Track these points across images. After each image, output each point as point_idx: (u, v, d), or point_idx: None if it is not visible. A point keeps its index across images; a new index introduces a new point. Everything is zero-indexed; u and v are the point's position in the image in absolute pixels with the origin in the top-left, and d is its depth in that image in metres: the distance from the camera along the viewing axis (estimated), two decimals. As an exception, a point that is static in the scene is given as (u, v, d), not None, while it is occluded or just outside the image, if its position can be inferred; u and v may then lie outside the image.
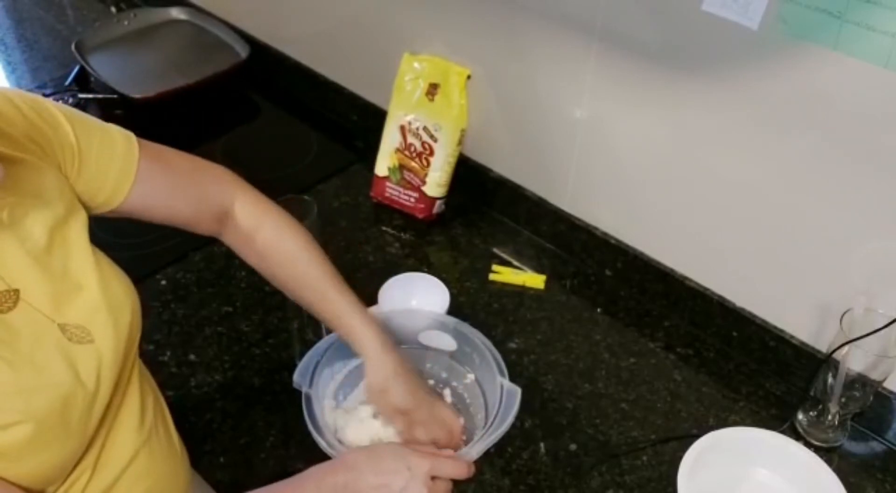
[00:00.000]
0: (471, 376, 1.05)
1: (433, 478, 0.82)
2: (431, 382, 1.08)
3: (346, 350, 1.01)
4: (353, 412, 1.00)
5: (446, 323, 1.06)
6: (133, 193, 0.84)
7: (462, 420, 0.99)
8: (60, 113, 0.79)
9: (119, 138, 0.84)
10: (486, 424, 0.95)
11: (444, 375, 1.08)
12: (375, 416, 0.98)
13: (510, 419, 0.92)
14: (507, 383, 0.96)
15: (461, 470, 0.84)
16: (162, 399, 0.92)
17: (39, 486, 0.70)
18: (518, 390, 0.95)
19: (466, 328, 1.04)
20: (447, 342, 1.07)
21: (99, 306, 0.76)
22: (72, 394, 0.71)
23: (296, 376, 0.97)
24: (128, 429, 0.81)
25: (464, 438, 0.98)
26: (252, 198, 0.96)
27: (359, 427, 0.97)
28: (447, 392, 1.06)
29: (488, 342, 1.02)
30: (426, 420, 0.94)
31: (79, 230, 0.77)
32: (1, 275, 0.69)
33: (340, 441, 0.94)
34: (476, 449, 0.89)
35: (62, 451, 0.71)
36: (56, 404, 0.69)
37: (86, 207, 0.81)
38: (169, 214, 0.90)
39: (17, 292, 0.70)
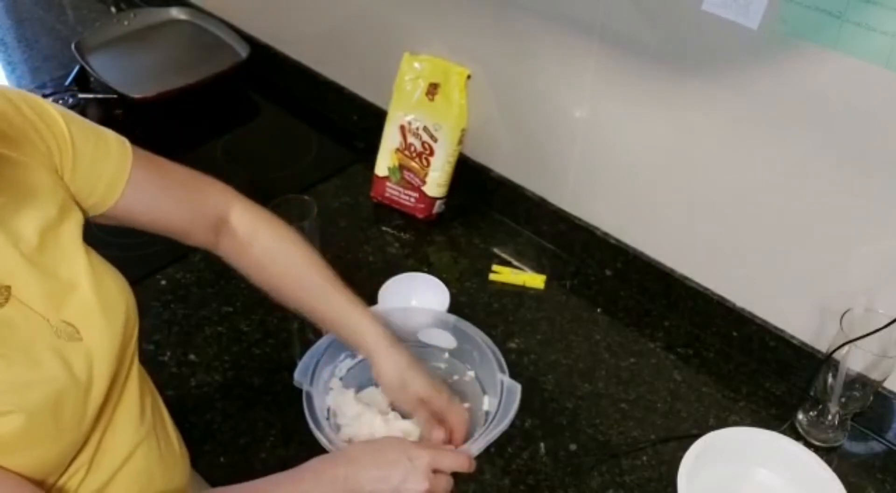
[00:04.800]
0: (471, 374, 1.06)
1: (434, 471, 0.82)
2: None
3: (346, 348, 1.01)
4: (356, 405, 0.99)
5: (446, 320, 1.06)
6: (125, 196, 0.84)
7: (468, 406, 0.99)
8: (58, 113, 0.79)
9: (113, 142, 0.85)
10: (486, 421, 0.95)
11: (443, 372, 1.08)
12: (379, 411, 0.98)
13: (511, 416, 0.92)
14: (507, 379, 0.96)
15: (462, 463, 0.84)
16: (160, 401, 0.92)
17: (34, 479, 0.70)
18: (518, 387, 0.95)
19: (466, 326, 1.04)
20: (447, 340, 1.07)
21: (91, 306, 0.76)
22: (65, 390, 0.71)
23: (296, 375, 0.97)
24: (125, 428, 0.81)
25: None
26: (248, 207, 0.96)
27: (360, 423, 0.98)
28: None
29: (488, 339, 1.02)
30: (446, 407, 0.93)
31: (72, 231, 0.77)
32: None
33: (338, 425, 0.94)
34: (477, 446, 0.89)
35: (56, 446, 0.71)
36: (49, 398, 0.69)
37: (79, 209, 0.81)
38: (163, 221, 0.90)
39: (8, 288, 0.70)
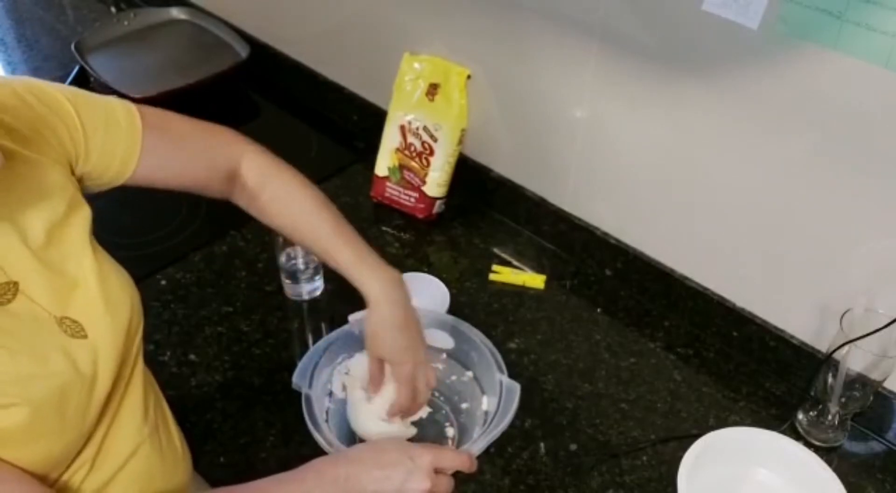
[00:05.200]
0: (469, 374, 1.05)
1: (436, 471, 0.82)
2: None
3: (345, 349, 1.01)
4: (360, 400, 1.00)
5: (444, 321, 1.06)
6: (140, 166, 0.85)
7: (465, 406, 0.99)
8: (64, 98, 0.79)
9: (122, 113, 0.84)
10: (485, 421, 0.95)
11: (441, 373, 1.08)
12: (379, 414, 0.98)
13: (510, 416, 0.92)
14: (506, 379, 0.96)
15: (464, 463, 0.84)
16: (164, 400, 0.92)
17: (37, 474, 0.70)
18: (517, 387, 0.95)
19: (464, 326, 1.04)
20: (445, 340, 1.07)
21: (96, 303, 0.76)
22: (70, 384, 0.71)
23: (295, 377, 0.97)
24: (128, 426, 0.81)
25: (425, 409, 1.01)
26: (259, 155, 0.97)
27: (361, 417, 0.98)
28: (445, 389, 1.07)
29: (486, 340, 1.02)
30: (401, 381, 0.94)
31: (79, 228, 0.77)
32: (1, 267, 0.70)
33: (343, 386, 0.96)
34: (477, 446, 0.89)
35: (59, 441, 0.71)
36: (54, 392, 0.69)
37: (95, 185, 0.83)
38: (179, 180, 0.91)
39: (16, 284, 0.71)
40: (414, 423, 1.01)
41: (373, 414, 0.97)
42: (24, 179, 0.73)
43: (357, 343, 1.01)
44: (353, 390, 1.00)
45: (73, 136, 0.79)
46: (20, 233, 0.72)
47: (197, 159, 0.92)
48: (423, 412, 1.03)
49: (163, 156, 0.88)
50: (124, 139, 0.84)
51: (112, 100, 0.85)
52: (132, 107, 0.86)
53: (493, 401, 0.96)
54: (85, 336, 0.74)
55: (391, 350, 0.94)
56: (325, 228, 0.95)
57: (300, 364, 0.98)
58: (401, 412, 0.96)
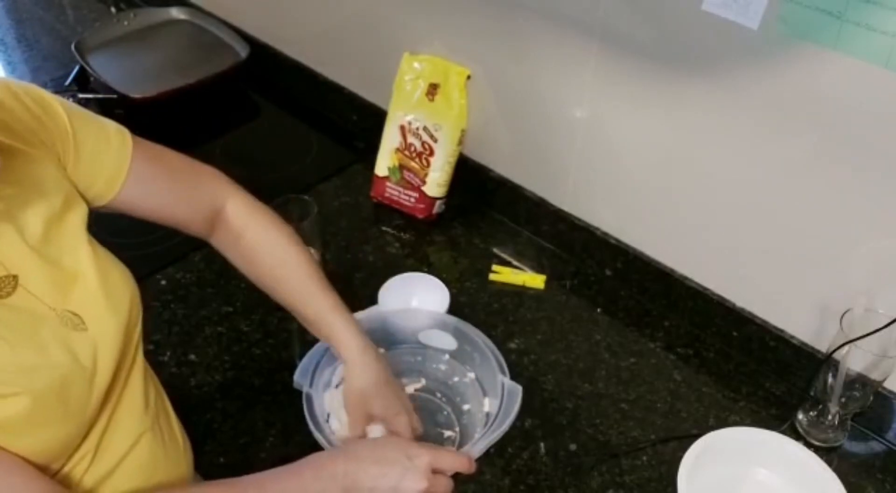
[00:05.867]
0: (471, 375, 1.06)
1: (434, 472, 0.82)
2: (425, 381, 1.08)
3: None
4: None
5: (446, 322, 1.06)
6: (126, 187, 0.85)
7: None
8: (58, 104, 0.79)
9: (114, 133, 0.85)
10: (487, 422, 0.95)
11: (443, 374, 1.08)
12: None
13: (511, 418, 0.92)
14: (507, 381, 0.96)
15: (463, 464, 0.84)
16: (163, 392, 0.92)
17: (38, 464, 0.70)
18: (519, 389, 0.95)
19: (466, 327, 1.04)
20: (447, 341, 1.07)
21: (96, 296, 0.76)
22: (70, 375, 0.72)
23: (296, 377, 0.97)
24: (129, 416, 0.82)
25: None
26: (243, 200, 0.96)
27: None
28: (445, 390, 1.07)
29: (488, 341, 1.02)
30: (401, 433, 0.94)
31: (76, 222, 0.78)
32: (0, 261, 0.70)
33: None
34: (478, 448, 0.89)
35: (60, 431, 0.71)
36: (55, 383, 0.70)
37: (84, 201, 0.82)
38: (162, 212, 0.90)
39: (15, 277, 0.71)
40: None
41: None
42: (20, 175, 0.73)
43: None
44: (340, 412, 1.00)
45: (63, 140, 0.79)
46: (18, 227, 0.72)
47: (182, 196, 0.91)
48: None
49: (148, 185, 0.87)
50: (113, 157, 0.83)
51: (107, 121, 0.85)
52: (126, 131, 0.86)
53: (495, 403, 0.96)
54: (85, 329, 0.75)
55: (384, 406, 0.94)
56: (306, 278, 0.95)
57: (301, 363, 0.98)
58: None
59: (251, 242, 0.95)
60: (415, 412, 0.97)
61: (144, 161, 0.86)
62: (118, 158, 0.84)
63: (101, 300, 0.77)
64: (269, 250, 0.96)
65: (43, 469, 0.70)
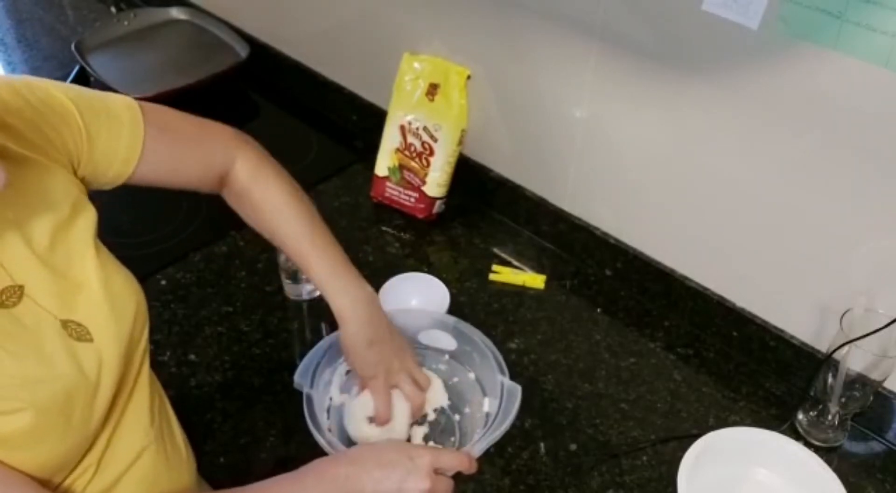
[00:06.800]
0: (471, 375, 1.05)
1: (436, 472, 0.82)
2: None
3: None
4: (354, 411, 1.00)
5: (446, 322, 1.06)
6: (140, 167, 0.85)
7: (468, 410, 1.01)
8: (67, 98, 0.78)
9: (125, 115, 0.84)
10: (486, 422, 0.95)
11: (443, 374, 1.08)
12: (372, 420, 0.99)
13: (511, 418, 0.92)
14: (507, 381, 0.96)
15: (464, 463, 0.84)
16: (168, 403, 0.92)
17: (40, 478, 0.70)
18: (518, 389, 0.95)
19: (466, 327, 1.04)
20: (447, 342, 1.07)
21: (101, 305, 0.76)
22: (75, 388, 0.71)
23: (297, 377, 0.97)
24: (134, 430, 0.81)
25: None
26: (251, 157, 0.97)
27: (357, 425, 0.98)
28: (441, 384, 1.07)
29: (488, 341, 1.02)
30: (374, 393, 0.98)
31: (84, 230, 0.77)
32: (7, 270, 0.70)
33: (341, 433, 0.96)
34: (477, 448, 0.89)
35: (63, 444, 0.71)
36: (59, 396, 0.69)
37: (96, 185, 0.82)
38: (174, 179, 0.91)
39: (21, 287, 0.70)
40: (420, 423, 1.02)
41: (361, 418, 0.99)
42: (27, 183, 0.72)
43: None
44: (343, 397, 1.02)
45: (76, 137, 0.78)
46: (24, 236, 0.71)
47: (195, 160, 0.92)
48: (431, 413, 1.03)
49: (162, 156, 0.87)
50: (127, 138, 0.83)
51: (114, 97, 0.84)
52: (134, 104, 0.86)
53: (495, 403, 0.96)
54: (90, 339, 0.74)
55: (361, 366, 0.98)
56: (303, 239, 0.96)
57: (302, 364, 0.98)
58: (383, 421, 0.98)
59: (254, 199, 0.96)
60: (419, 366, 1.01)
61: (156, 137, 0.86)
62: (131, 137, 0.83)
63: (105, 310, 0.76)
64: (268, 207, 0.97)
65: (44, 483, 0.70)
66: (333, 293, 0.95)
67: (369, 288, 0.98)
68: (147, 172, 0.86)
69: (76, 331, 0.73)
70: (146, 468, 0.82)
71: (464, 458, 0.85)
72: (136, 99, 0.87)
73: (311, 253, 0.96)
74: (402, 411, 0.99)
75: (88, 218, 0.78)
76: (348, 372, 1.03)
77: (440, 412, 1.04)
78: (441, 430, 1.03)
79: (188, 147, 0.92)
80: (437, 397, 1.04)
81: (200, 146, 0.93)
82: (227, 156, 0.95)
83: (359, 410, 0.99)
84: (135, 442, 0.81)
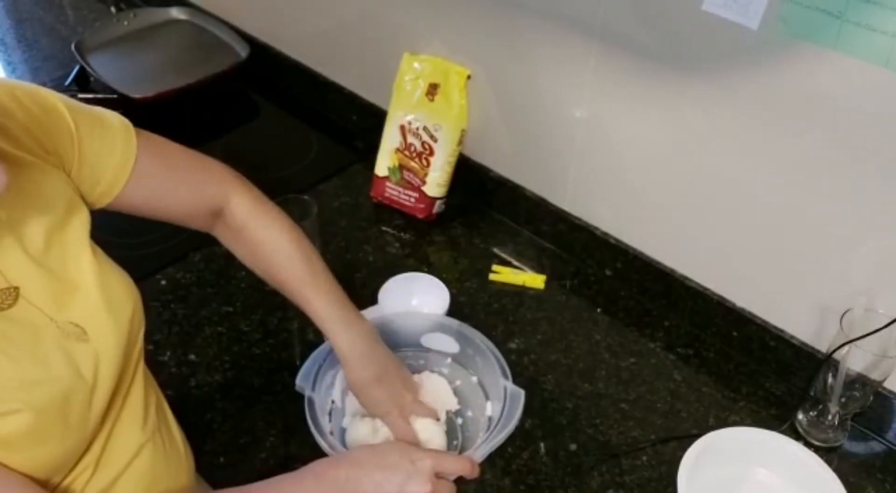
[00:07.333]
0: (473, 379, 1.05)
1: (437, 476, 0.82)
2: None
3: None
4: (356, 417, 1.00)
5: (448, 325, 1.06)
6: (129, 187, 0.83)
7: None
8: (62, 104, 0.78)
9: (119, 131, 0.83)
10: (489, 426, 0.95)
11: (446, 377, 1.08)
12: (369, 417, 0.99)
13: (514, 422, 0.92)
14: (510, 385, 0.96)
15: (465, 467, 0.84)
16: (164, 401, 0.92)
17: (39, 478, 0.70)
18: (522, 393, 0.95)
19: (469, 331, 1.04)
20: (449, 345, 1.07)
21: (97, 306, 0.76)
22: (72, 389, 0.71)
23: (298, 380, 0.97)
24: (130, 428, 0.81)
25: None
26: (248, 195, 0.96)
27: (359, 428, 0.98)
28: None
29: (491, 345, 1.02)
30: (394, 431, 0.97)
31: (79, 230, 0.77)
32: (1, 272, 0.70)
33: (344, 444, 0.95)
34: (480, 452, 0.89)
35: (61, 445, 0.71)
36: (56, 397, 0.69)
37: (83, 198, 0.81)
38: (163, 211, 0.90)
39: (16, 289, 0.70)
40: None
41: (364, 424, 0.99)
42: (24, 184, 0.72)
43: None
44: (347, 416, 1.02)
45: (68, 146, 0.77)
46: (19, 238, 0.71)
47: (186, 188, 0.91)
48: (442, 415, 1.02)
49: (154, 183, 0.86)
50: (119, 154, 0.82)
51: (110, 113, 0.84)
52: (131, 127, 0.85)
53: (498, 407, 0.96)
54: (87, 340, 0.74)
55: (374, 405, 0.97)
56: (300, 277, 0.95)
57: (304, 366, 0.98)
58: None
59: (251, 237, 0.95)
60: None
61: (149, 160, 0.85)
62: (123, 157, 0.82)
63: (102, 310, 0.76)
64: (267, 246, 0.96)
65: (43, 483, 0.70)
66: (332, 333, 0.94)
67: (365, 322, 0.97)
68: (136, 196, 0.84)
69: (73, 332, 0.73)
70: (144, 467, 0.82)
71: (466, 463, 0.84)
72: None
73: (312, 294, 0.95)
74: (432, 431, 0.98)
75: (82, 219, 0.78)
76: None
77: (448, 414, 1.04)
78: (444, 433, 1.03)
79: (181, 174, 0.90)
80: (447, 399, 1.03)
81: (193, 175, 0.92)
82: (221, 190, 0.94)
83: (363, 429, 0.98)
84: (132, 441, 0.81)
